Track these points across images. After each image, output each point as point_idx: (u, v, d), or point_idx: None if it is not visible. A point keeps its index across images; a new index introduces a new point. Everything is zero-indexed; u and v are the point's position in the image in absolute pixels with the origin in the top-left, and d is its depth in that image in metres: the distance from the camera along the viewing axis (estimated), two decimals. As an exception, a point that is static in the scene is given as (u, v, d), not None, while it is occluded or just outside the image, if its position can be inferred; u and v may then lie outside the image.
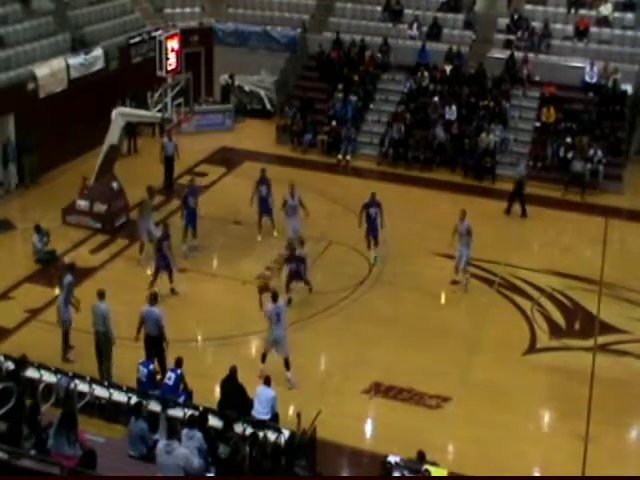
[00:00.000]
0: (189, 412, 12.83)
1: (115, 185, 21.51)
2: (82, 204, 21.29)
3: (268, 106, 30.14)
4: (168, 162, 23.60)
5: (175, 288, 18.04)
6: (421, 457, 12.08)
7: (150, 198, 20.48)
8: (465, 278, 19.04)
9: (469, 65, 28.43)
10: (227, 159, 26.57)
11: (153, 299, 15.14)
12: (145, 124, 26.17)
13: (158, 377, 14.26)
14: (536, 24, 28.66)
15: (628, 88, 26.93)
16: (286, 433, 12.57)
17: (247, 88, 30.33)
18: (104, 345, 15.06)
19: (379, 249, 19.99)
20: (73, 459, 10.39)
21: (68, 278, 15.97)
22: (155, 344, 14.93)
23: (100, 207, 21.15)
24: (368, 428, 15.07)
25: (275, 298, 15.40)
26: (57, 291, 16.67)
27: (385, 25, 30.00)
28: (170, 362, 14.35)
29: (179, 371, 13.70)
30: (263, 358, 15.47)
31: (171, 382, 13.63)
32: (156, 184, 23.05)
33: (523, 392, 15.59)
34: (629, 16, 28.27)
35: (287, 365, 15.31)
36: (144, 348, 14.94)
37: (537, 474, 14.20)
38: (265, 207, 20.96)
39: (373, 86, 28.58)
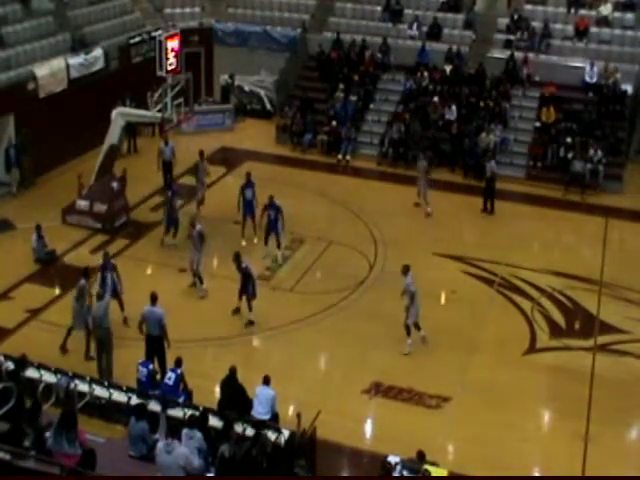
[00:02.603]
0: (189, 412, 12.84)
1: (115, 185, 21.51)
2: (82, 204, 21.30)
3: (268, 106, 30.14)
4: (166, 167, 23.24)
5: (127, 317, 16.92)
6: (421, 457, 12.07)
7: (202, 160, 21.84)
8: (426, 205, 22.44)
9: (469, 65, 28.43)
10: (227, 159, 26.56)
11: (154, 299, 15.11)
12: (145, 124, 26.15)
13: (158, 377, 14.27)
14: (536, 24, 28.64)
15: (628, 88, 26.91)
16: (286, 433, 12.57)
17: (247, 88, 30.33)
18: (106, 342, 15.05)
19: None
20: (73, 458, 10.38)
21: (81, 282, 15.98)
22: (156, 344, 14.93)
23: (100, 207, 21.16)
24: (368, 428, 15.08)
25: (408, 270, 16.62)
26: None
27: (385, 25, 29.99)
28: (170, 362, 14.35)
29: (179, 371, 13.71)
30: (416, 327, 16.71)
31: (171, 382, 13.63)
32: (157, 184, 23.20)
33: (523, 392, 15.59)
34: (629, 16, 28.26)
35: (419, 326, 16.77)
36: (145, 348, 14.95)
37: (537, 474, 14.21)
38: (250, 210, 20.69)
39: (373, 86, 28.58)
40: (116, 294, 16.86)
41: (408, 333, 16.62)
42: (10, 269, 19.08)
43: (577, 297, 19.00)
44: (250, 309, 17.22)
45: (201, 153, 22.30)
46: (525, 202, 24.15)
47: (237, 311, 17.59)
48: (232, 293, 17.83)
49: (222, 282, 18.68)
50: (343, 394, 15.25)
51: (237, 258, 17.35)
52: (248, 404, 13.37)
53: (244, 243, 20.49)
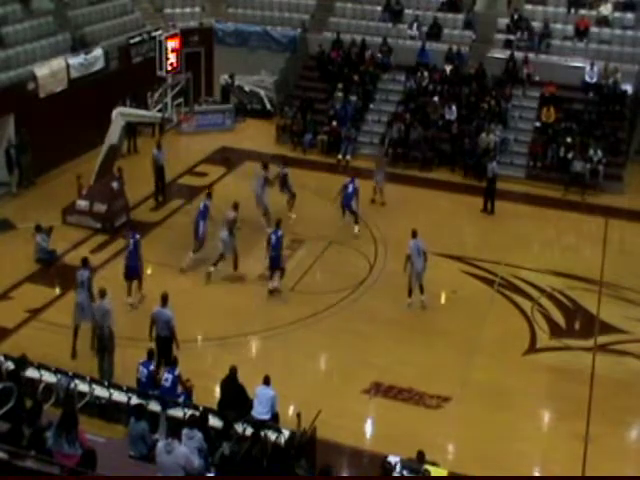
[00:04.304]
0: (189, 412, 12.83)
1: (115, 185, 21.50)
2: (82, 204, 21.29)
3: (268, 106, 30.14)
4: (159, 172, 22.96)
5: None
6: (421, 457, 12.07)
7: (265, 171, 21.69)
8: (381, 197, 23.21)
9: (469, 65, 28.45)
10: (227, 159, 26.55)
11: (164, 300, 15.06)
12: (145, 124, 26.14)
13: (158, 377, 14.24)
14: (536, 24, 28.68)
15: (628, 88, 26.94)
16: (286, 433, 12.57)
17: (247, 88, 30.32)
18: (108, 342, 15.04)
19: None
20: (73, 458, 10.38)
21: (85, 274, 15.89)
22: (164, 344, 14.89)
23: (100, 207, 21.15)
24: (368, 428, 15.08)
25: (414, 235, 17.85)
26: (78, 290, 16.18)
27: (385, 25, 30.01)
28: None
29: (176, 372, 13.67)
30: (410, 293, 18.02)
31: (168, 383, 13.59)
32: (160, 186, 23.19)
33: (523, 392, 15.59)
34: (629, 16, 28.28)
35: (422, 289, 18.04)
36: (156, 349, 14.86)
37: (537, 474, 14.20)
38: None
39: (373, 86, 28.60)
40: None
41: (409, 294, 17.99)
42: (10, 269, 19.07)
43: (577, 297, 19.00)
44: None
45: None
46: (525, 202, 24.14)
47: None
48: (233, 293, 17.85)
49: (223, 282, 18.67)
50: (343, 394, 15.24)
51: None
52: (248, 404, 13.36)
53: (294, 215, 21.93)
